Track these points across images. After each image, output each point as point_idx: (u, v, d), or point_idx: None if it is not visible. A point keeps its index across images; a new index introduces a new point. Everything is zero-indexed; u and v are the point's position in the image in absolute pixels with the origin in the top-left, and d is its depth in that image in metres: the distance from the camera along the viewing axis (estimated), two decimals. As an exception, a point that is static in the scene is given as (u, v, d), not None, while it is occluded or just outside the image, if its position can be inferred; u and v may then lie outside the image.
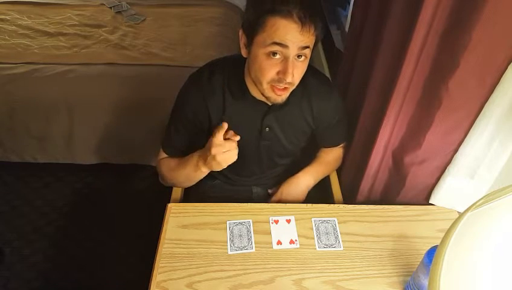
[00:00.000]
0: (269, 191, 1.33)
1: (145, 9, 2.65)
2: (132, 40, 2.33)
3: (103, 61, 2.14)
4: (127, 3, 2.67)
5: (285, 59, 0.97)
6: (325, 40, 2.17)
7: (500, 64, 0.88)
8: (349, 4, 2.04)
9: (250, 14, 0.98)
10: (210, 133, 1.10)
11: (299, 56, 0.98)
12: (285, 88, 1.02)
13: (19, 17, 2.49)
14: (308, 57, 1.01)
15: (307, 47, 0.97)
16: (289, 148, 1.25)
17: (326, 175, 1.38)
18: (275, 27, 0.93)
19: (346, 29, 1.93)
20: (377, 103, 1.18)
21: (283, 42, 0.94)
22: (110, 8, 2.64)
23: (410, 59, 0.99)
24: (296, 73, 0.99)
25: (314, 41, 0.99)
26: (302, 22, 0.92)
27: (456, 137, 1.05)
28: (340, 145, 1.38)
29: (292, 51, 0.95)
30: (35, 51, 2.20)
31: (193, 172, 1.14)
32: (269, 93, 1.04)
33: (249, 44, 1.01)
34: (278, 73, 0.99)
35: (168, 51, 2.25)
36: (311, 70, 1.13)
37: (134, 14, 2.58)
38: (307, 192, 1.29)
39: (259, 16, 0.95)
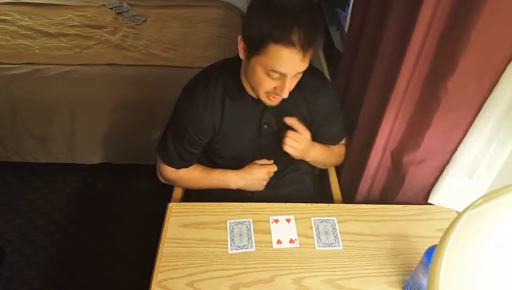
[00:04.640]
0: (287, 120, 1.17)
1: (146, 10, 2.66)
2: (133, 41, 2.34)
3: (104, 61, 2.15)
4: (128, 4, 2.68)
5: (282, 78, 0.98)
6: (324, 41, 2.18)
7: (499, 65, 0.88)
8: (348, 5, 2.04)
9: (253, 33, 0.95)
10: (212, 141, 1.19)
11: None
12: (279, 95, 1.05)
13: (20, 17, 2.50)
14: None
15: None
16: None
17: (325, 163, 1.38)
18: (277, 57, 0.93)
19: (346, 30, 1.93)
20: (376, 104, 1.18)
21: (283, 72, 0.96)
22: (111, 9, 2.65)
23: (409, 60, 1.00)
24: (292, 84, 1.02)
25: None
26: (305, 51, 0.92)
27: (455, 137, 1.05)
28: (341, 143, 1.37)
29: (290, 75, 0.98)
30: (37, 51, 2.21)
31: (220, 186, 1.28)
32: (264, 99, 1.07)
33: (249, 55, 1.00)
34: (275, 88, 1.01)
35: (168, 52, 2.26)
36: (308, 70, 1.14)
37: (135, 15, 2.59)
38: (307, 157, 1.26)
39: (262, 41, 0.93)
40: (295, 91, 1.15)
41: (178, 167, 1.26)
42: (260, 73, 0.99)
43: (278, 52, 0.92)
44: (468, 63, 0.89)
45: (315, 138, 1.31)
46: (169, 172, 1.27)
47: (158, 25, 2.53)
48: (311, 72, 1.20)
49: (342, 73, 1.57)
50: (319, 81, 1.21)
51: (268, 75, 0.98)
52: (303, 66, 0.96)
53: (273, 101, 1.07)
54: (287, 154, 1.28)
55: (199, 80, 1.17)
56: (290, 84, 1.00)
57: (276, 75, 0.98)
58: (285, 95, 1.00)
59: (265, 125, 1.20)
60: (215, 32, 2.46)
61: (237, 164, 1.27)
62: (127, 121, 2.03)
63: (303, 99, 1.19)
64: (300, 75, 1.03)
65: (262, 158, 1.28)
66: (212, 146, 1.24)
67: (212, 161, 1.31)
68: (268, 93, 1.04)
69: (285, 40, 0.90)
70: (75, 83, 2.02)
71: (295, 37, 0.90)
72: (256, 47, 0.95)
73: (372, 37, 1.22)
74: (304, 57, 0.93)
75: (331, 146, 1.35)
